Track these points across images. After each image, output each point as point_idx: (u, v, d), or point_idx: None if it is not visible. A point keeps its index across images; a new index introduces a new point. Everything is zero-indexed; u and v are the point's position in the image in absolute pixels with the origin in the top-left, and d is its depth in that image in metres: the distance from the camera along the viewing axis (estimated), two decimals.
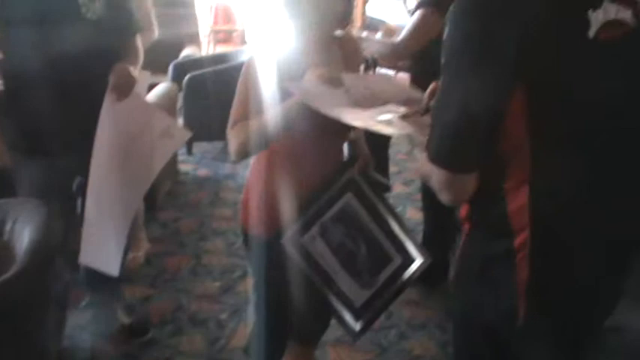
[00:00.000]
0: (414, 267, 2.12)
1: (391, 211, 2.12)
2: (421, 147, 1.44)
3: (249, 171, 2.15)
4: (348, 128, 1.98)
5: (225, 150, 5.37)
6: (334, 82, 1.81)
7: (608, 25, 1.30)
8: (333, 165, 2.07)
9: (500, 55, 1.24)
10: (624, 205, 1.42)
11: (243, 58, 5.49)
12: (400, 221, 2.13)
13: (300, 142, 1.93)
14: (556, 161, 1.31)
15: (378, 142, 2.94)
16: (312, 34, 1.97)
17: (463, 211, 1.48)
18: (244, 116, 1.91)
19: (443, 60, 1.32)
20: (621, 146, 1.37)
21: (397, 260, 2.10)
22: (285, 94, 1.83)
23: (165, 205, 4.49)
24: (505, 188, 1.35)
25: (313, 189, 2.01)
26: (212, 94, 4.88)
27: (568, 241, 1.36)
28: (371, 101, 1.76)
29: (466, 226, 1.49)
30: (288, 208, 1.97)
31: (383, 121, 1.63)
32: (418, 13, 3.10)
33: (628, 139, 1.38)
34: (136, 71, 2.62)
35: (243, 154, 1.95)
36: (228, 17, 9.96)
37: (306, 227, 1.98)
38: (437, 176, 1.36)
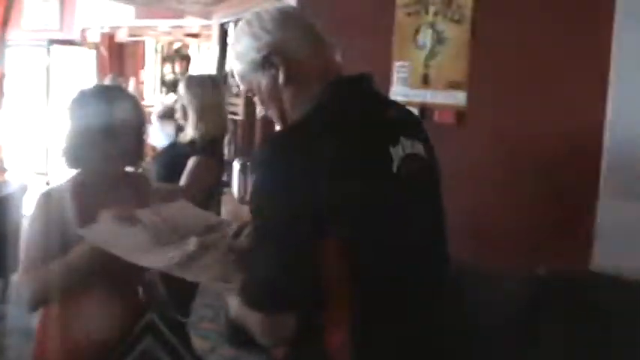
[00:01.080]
0: None
1: (191, 351, 2.10)
2: (228, 290, 1.43)
3: (40, 319, 2.01)
4: (143, 270, 1.94)
5: None
6: (129, 220, 1.76)
7: (408, 158, 1.40)
8: (130, 308, 2.01)
9: (307, 208, 1.26)
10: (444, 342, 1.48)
11: (6, 190, 5.16)
12: (195, 356, 2.12)
13: (94, 288, 1.87)
14: (373, 298, 1.33)
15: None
16: (98, 171, 1.96)
17: (278, 352, 1.43)
18: (40, 260, 1.81)
19: (253, 206, 1.34)
20: (430, 278, 1.45)
21: None
22: (78, 238, 1.78)
23: None
24: (325, 326, 1.33)
25: (111, 335, 1.92)
26: None
27: None
28: (170, 235, 1.75)
29: None
30: (86, 358, 1.89)
31: (181, 260, 1.57)
32: (192, 160, 3.17)
33: (434, 269, 1.48)
34: None
35: (41, 303, 1.87)
36: None
37: None
38: (254, 320, 1.32)
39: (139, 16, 8.89)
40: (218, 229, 1.74)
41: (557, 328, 2.53)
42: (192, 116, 3.20)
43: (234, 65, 1.54)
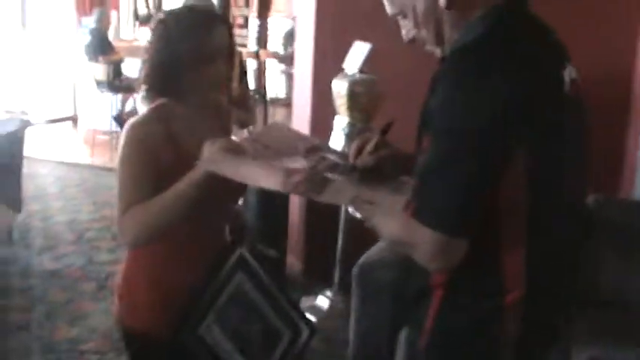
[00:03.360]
0: (302, 340, 2.02)
1: (278, 283, 2.00)
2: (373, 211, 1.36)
3: (127, 261, 1.86)
4: (233, 204, 1.94)
5: None
6: (239, 150, 1.62)
7: (572, 83, 1.34)
8: (220, 245, 1.90)
9: (506, 122, 1.21)
10: None
11: (6, 128, 4.88)
12: (286, 293, 2.02)
13: (186, 225, 1.72)
14: (551, 220, 1.30)
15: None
16: (189, 101, 1.79)
17: (438, 277, 1.35)
18: (143, 196, 1.66)
19: (441, 123, 1.25)
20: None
21: (287, 335, 1.99)
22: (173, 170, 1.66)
23: None
24: (499, 250, 1.29)
25: (202, 273, 1.81)
26: None
27: (559, 293, 1.39)
28: (275, 160, 1.63)
29: (439, 293, 1.37)
30: (183, 299, 1.77)
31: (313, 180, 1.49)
32: None
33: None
34: None
35: (149, 240, 1.71)
36: None
37: (201, 318, 1.80)
38: (431, 241, 1.23)
39: None
40: (320, 151, 1.69)
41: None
42: None
43: None
